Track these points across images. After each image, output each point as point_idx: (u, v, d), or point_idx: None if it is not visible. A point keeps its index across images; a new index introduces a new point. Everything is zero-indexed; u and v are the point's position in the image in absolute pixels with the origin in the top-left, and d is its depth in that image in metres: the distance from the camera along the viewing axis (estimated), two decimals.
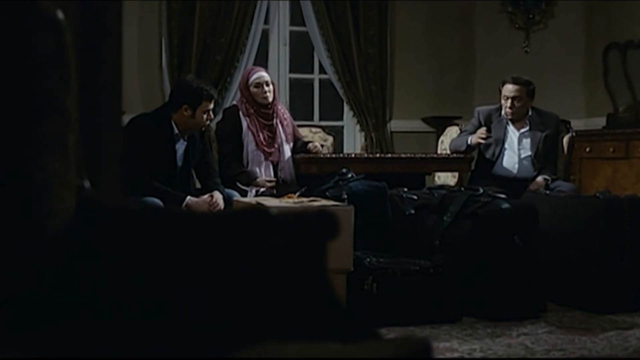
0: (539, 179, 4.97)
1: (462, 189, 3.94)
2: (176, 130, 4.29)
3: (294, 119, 6.10)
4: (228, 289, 1.18)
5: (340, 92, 6.54)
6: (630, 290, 3.76)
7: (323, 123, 6.37)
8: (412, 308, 3.47)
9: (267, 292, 1.17)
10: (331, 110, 6.82)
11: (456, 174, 5.68)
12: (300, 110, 6.64)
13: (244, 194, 4.61)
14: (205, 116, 4.29)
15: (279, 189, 4.65)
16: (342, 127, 6.82)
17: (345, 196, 3.76)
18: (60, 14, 1.33)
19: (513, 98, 5.04)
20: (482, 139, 5.04)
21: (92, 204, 1.30)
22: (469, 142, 5.09)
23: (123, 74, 5.57)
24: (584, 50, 6.79)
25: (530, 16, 6.80)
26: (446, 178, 5.84)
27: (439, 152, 5.93)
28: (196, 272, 1.21)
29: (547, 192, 4.48)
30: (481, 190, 3.81)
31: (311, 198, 3.72)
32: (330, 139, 5.80)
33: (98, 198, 1.32)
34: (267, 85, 4.83)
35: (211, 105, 4.31)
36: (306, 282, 1.18)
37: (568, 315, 3.67)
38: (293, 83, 6.63)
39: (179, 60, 6.03)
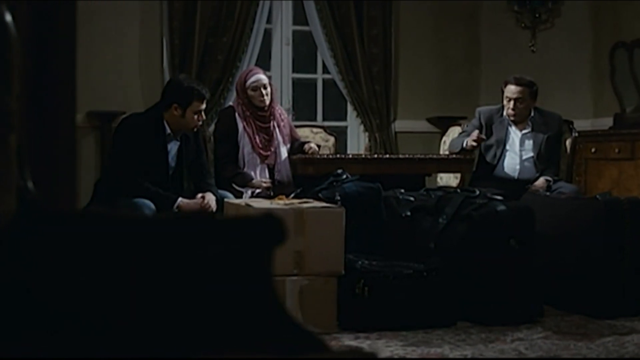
0: (541, 180, 4.87)
1: (459, 190, 3.86)
2: (168, 130, 4.18)
3: (297, 120, 6.04)
4: (167, 296, 1.13)
5: (344, 92, 6.46)
6: (631, 294, 3.68)
7: (327, 123, 6.31)
8: (405, 312, 3.40)
9: (206, 299, 1.12)
10: (335, 111, 6.75)
11: (458, 176, 5.59)
12: (304, 110, 6.58)
13: (239, 195, 4.55)
14: (196, 117, 4.16)
15: (276, 190, 4.58)
16: (346, 127, 6.75)
17: (338, 197, 3.70)
18: (6, 13, 1.28)
19: (515, 99, 4.94)
20: (476, 142, 4.93)
21: (33, 207, 1.25)
22: (463, 144, 5.00)
23: (124, 74, 5.46)
24: (591, 50, 6.69)
25: (537, 15, 6.72)
26: (448, 179, 5.75)
27: (441, 152, 5.84)
28: (136, 278, 1.15)
29: (548, 193, 4.39)
30: (477, 192, 3.73)
31: (304, 199, 3.66)
32: (332, 139, 5.73)
33: (40, 201, 1.27)
34: (265, 88, 4.74)
35: (202, 106, 4.18)
36: (248, 290, 1.12)
37: (566, 320, 3.59)
38: (296, 83, 6.56)
39: (180, 60, 5.98)
